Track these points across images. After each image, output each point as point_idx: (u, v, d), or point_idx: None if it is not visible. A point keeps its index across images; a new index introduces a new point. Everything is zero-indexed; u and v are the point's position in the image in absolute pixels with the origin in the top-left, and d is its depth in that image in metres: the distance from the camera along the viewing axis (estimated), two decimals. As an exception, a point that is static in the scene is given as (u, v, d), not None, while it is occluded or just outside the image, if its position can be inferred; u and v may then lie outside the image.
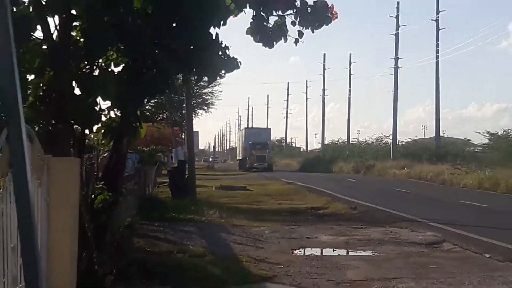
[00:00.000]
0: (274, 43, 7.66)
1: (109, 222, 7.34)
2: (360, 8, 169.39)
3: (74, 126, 6.70)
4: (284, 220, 14.87)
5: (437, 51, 47.96)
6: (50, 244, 4.21)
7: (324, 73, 76.30)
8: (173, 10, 6.67)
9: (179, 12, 6.65)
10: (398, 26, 52.37)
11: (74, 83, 6.39)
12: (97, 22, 6.22)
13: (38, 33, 6.23)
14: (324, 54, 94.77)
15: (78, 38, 6.49)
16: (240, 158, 61.99)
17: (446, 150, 43.60)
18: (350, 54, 74.65)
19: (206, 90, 46.29)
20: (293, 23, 7.51)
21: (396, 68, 52.28)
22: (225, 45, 7.15)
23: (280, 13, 7.52)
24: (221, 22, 7.06)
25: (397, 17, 52.38)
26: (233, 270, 8.34)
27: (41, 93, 6.34)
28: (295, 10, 7.44)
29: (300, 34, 7.56)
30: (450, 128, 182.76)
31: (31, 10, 5.98)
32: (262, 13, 7.50)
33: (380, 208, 16.95)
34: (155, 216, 13.56)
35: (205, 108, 49.34)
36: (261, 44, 7.66)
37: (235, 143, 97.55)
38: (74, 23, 6.43)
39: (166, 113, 37.20)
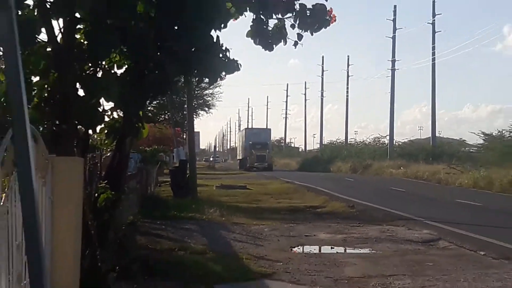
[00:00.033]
0: (274, 45, 7.71)
1: (112, 221, 7.43)
2: (358, 12, 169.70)
3: (78, 127, 6.73)
4: (283, 219, 15.00)
5: (433, 53, 48.24)
6: (54, 242, 4.20)
7: (322, 75, 76.56)
8: (175, 14, 6.73)
9: (181, 15, 6.73)
10: (395, 29, 52.59)
11: (78, 85, 6.42)
12: (100, 25, 6.29)
13: (43, 36, 6.26)
14: (323, 57, 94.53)
15: (82, 40, 6.54)
16: (241, 157, 62.05)
17: (442, 150, 43.90)
18: (348, 56, 74.42)
19: (207, 92, 46.52)
20: (293, 26, 7.53)
21: (393, 70, 52.53)
22: (225, 47, 7.19)
23: (279, 16, 7.56)
24: (222, 25, 7.10)
25: (394, 20, 52.57)
26: (233, 267, 8.46)
27: (45, 95, 6.38)
28: (294, 14, 7.48)
29: (299, 36, 7.61)
30: (446, 128, 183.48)
31: (36, 13, 6.01)
32: (262, 16, 7.55)
33: (377, 207, 17.10)
34: (157, 214, 13.68)
35: (206, 109, 49.55)
36: (261, 47, 7.68)
37: (235, 143, 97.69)
38: (78, 26, 6.47)
39: (168, 114, 37.32)
